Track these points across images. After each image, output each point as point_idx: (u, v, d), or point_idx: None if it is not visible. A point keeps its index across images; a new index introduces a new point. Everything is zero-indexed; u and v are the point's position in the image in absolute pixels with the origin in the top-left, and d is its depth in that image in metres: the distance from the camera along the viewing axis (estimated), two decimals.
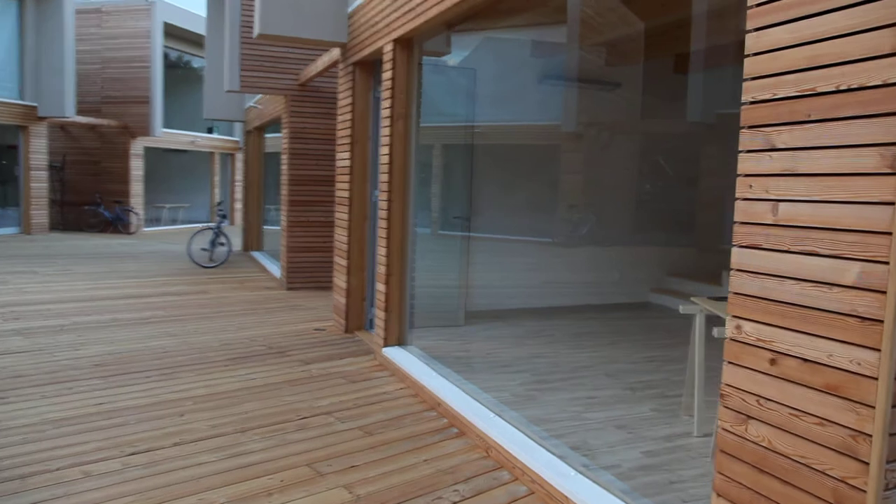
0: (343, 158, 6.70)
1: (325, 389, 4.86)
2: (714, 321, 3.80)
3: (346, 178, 6.60)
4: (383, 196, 5.57)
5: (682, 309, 4.20)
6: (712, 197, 8.98)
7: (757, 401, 2.07)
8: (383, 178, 5.56)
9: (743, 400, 2.12)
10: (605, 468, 3.50)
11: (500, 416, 4.01)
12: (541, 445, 3.58)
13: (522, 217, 7.79)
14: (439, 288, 7.06)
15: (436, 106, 5.64)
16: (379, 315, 5.71)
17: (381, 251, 5.61)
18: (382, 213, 5.59)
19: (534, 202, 7.97)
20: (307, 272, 9.39)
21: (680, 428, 4.18)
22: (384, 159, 5.55)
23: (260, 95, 11.64)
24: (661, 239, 8.58)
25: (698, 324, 4.12)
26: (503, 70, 7.70)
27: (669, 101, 8.52)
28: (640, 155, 8.47)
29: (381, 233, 5.61)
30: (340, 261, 6.84)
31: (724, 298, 4.34)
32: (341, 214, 6.79)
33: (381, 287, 5.63)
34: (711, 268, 8.65)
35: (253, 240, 13.81)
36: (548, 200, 8.10)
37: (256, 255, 13.15)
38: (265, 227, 13.56)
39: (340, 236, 6.83)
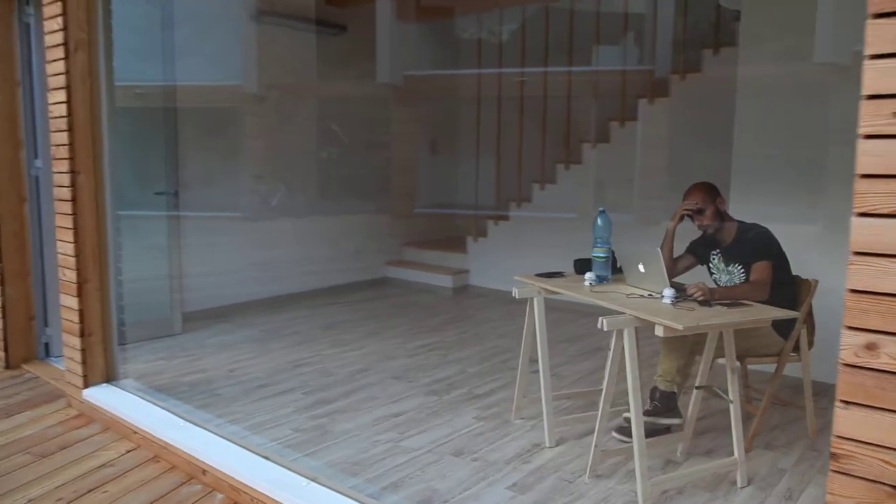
0: None
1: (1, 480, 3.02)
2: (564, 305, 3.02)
3: None
4: (61, 167, 3.73)
5: (517, 294, 3.38)
6: (405, 161, 8.49)
7: None
8: (59, 139, 3.71)
9: (887, 464, 1.32)
10: None
11: (313, 480, 2.76)
12: None
13: (219, 190, 6.36)
14: (142, 283, 5.25)
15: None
16: (70, 342, 3.88)
17: (66, 249, 3.77)
18: (63, 193, 3.74)
19: (232, 173, 6.58)
20: None
21: (523, 440, 3.40)
22: (58, 111, 3.69)
23: None
24: (357, 207, 7.82)
25: (537, 308, 3.35)
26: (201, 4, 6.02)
27: (361, 59, 7.71)
28: (329, 118, 7.54)
29: (63, 222, 3.77)
30: None
31: (556, 274, 3.65)
32: None
33: (69, 302, 3.81)
34: (419, 233, 8.23)
35: None
36: (244, 171, 6.78)
37: None
38: None
39: None
